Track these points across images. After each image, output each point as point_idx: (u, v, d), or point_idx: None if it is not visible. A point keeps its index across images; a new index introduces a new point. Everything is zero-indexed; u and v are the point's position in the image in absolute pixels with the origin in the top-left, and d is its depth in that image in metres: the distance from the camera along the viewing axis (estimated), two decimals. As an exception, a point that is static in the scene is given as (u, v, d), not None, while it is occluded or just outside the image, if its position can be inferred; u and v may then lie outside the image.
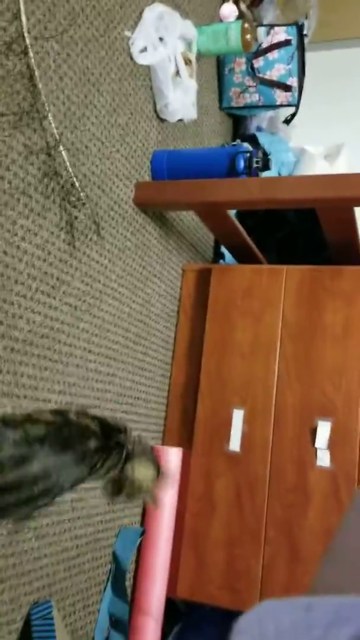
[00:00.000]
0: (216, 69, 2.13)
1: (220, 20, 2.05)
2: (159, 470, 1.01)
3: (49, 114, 1.20)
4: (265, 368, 1.66)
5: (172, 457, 1.66)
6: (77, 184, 1.29)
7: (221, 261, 2.07)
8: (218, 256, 2.10)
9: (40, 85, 1.17)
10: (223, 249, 2.04)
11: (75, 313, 1.34)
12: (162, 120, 1.71)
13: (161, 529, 1.60)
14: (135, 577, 1.60)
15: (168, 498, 1.63)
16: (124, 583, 1.49)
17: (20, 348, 1.16)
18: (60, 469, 0.85)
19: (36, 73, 1.15)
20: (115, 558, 1.50)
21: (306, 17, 2.16)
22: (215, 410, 1.68)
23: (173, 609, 1.67)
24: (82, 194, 1.30)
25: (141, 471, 0.97)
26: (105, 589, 1.48)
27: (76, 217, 1.32)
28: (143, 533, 1.58)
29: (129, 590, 1.54)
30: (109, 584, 1.48)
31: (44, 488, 0.83)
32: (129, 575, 1.56)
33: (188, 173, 1.60)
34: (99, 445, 0.92)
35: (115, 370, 1.52)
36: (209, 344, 1.73)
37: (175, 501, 1.64)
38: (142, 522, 1.65)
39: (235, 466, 1.63)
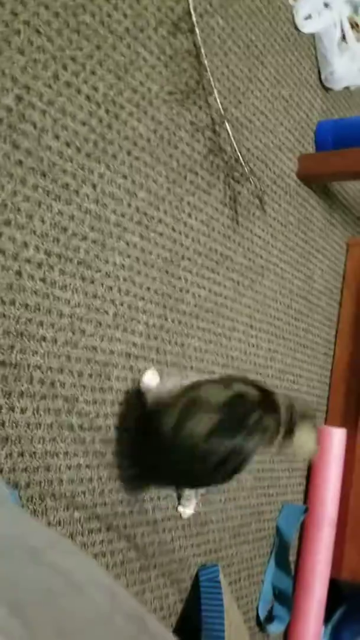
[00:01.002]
0: (384, 31, 2.00)
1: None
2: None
3: (215, 90, 1.21)
4: None
5: (336, 437, 1.62)
6: (241, 159, 1.29)
7: (389, 235, 1.96)
8: (385, 230, 1.99)
9: (206, 62, 1.19)
10: (391, 222, 1.93)
11: (237, 288, 1.35)
12: (327, 89, 1.66)
13: (325, 508, 1.57)
14: (298, 555, 1.60)
15: (332, 478, 1.59)
16: (287, 558, 1.49)
17: (187, 321, 1.20)
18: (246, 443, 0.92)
19: (202, 50, 1.17)
20: (278, 532, 1.50)
21: None
22: (382, 390, 1.61)
23: (337, 591, 1.64)
24: (245, 169, 1.31)
25: (303, 437, 0.98)
26: (269, 561, 1.49)
27: (239, 193, 1.33)
28: (306, 510, 1.57)
29: (292, 566, 1.54)
30: (273, 557, 1.49)
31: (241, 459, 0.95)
32: (293, 551, 1.56)
33: (355, 142, 1.53)
34: (261, 415, 0.95)
35: (277, 346, 1.51)
36: (376, 321, 1.65)
37: (340, 482, 1.60)
38: (305, 500, 1.63)
39: None
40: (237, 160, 1.30)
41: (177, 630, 1.19)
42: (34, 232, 0.88)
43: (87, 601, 0.36)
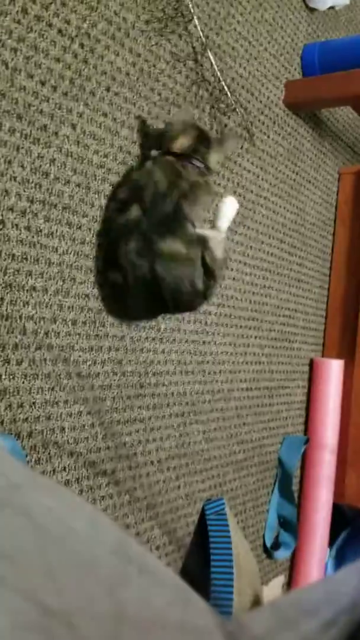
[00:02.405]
0: None
1: None
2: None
3: (194, 17, 1.15)
4: None
5: (334, 368, 1.64)
6: (226, 89, 1.24)
7: (381, 161, 1.92)
8: (377, 156, 1.94)
9: (182, -14, 1.12)
10: (383, 148, 1.88)
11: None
12: (312, 9, 1.58)
13: (326, 437, 1.60)
14: (301, 484, 1.64)
15: (331, 408, 1.62)
16: (291, 487, 1.53)
17: (179, 261, 1.19)
18: None
19: (178, -27, 1.10)
20: (280, 463, 1.54)
21: None
22: (378, 319, 1.61)
23: (340, 515, 1.69)
24: (231, 100, 1.26)
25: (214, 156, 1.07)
26: (272, 492, 1.53)
27: (226, 125, 1.29)
28: (307, 441, 1.60)
29: (295, 495, 1.58)
30: (276, 487, 1.53)
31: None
32: (295, 481, 1.60)
33: (343, 65, 1.46)
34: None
35: (272, 282, 1.50)
36: (370, 250, 1.64)
37: (339, 412, 1.63)
38: (305, 432, 1.66)
39: None
40: (221, 90, 1.25)
41: (186, 564, 1.23)
42: (14, 179, 0.86)
43: (71, 535, 0.36)
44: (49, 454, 0.93)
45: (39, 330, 0.90)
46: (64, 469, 0.96)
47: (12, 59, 0.84)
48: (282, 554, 1.53)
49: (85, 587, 0.33)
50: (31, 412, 0.90)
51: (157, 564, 0.40)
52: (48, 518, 0.35)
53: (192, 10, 1.15)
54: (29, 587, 0.31)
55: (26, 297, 0.88)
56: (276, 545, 1.53)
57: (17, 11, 0.84)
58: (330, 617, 0.39)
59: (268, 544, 1.50)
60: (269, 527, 1.51)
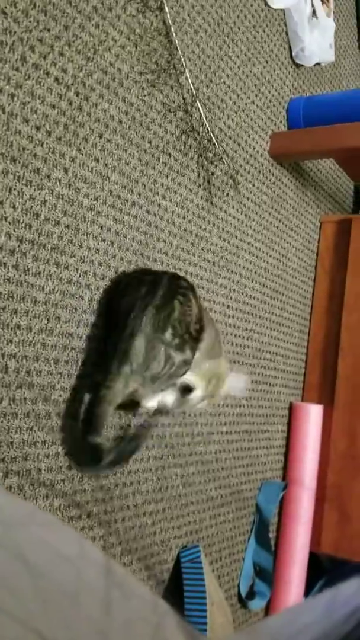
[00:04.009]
0: (355, 6, 1.99)
1: None
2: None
3: (186, 70, 1.19)
4: None
5: (313, 413, 1.65)
6: (213, 139, 1.28)
7: (361, 212, 1.97)
8: (359, 206, 2.00)
9: (176, 41, 1.16)
10: (364, 199, 1.94)
11: (213, 269, 1.35)
12: (298, 66, 1.64)
13: (304, 484, 1.60)
14: (278, 531, 1.62)
15: (310, 454, 1.62)
16: (267, 534, 1.52)
17: (163, 304, 1.20)
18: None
19: (172, 28, 1.15)
20: (258, 510, 1.53)
21: None
22: (357, 366, 1.63)
23: (317, 564, 1.68)
24: (219, 149, 1.30)
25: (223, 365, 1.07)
26: (249, 539, 1.51)
27: (213, 173, 1.32)
28: (285, 487, 1.59)
29: (272, 542, 1.56)
30: (253, 534, 1.51)
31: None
32: (272, 528, 1.58)
33: (327, 119, 1.52)
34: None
35: (254, 325, 1.52)
36: (350, 298, 1.67)
37: (317, 458, 1.63)
38: (284, 477, 1.66)
39: (380, 424, 1.57)
40: (209, 140, 1.28)
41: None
42: (5, 219, 0.87)
43: (60, 565, 0.37)
44: (24, 495, 0.91)
45: (20, 368, 0.90)
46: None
47: (9, 104, 0.86)
48: (257, 604, 1.50)
49: (72, 616, 0.34)
50: (8, 452, 0.89)
51: (140, 587, 0.40)
52: (39, 550, 0.36)
53: (183, 64, 1.19)
54: (26, 616, 0.31)
55: (10, 335, 0.88)
56: (251, 594, 1.51)
57: (17, 59, 0.87)
58: None
59: (243, 594, 1.48)
60: (244, 575, 1.49)
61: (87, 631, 0.34)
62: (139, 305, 0.97)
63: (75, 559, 0.38)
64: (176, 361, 0.98)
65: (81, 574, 0.37)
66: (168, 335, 0.97)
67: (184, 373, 1.02)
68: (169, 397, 1.04)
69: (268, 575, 1.52)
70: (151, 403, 1.01)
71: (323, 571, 1.69)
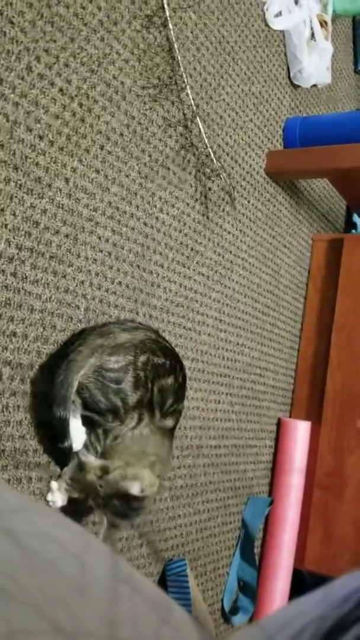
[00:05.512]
0: (352, 30, 2.03)
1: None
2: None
3: (187, 86, 1.21)
4: None
5: (300, 430, 1.65)
6: (212, 155, 1.30)
7: (353, 231, 2.00)
8: (350, 226, 2.03)
9: (178, 57, 1.18)
10: (355, 219, 1.97)
11: (207, 283, 1.36)
12: (296, 86, 1.67)
13: (290, 500, 1.60)
14: (262, 546, 1.62)
15: (296, 470, 1.62)
16: (252, 550, 1.51)
17: (158, 315, 1.21)
18: None
19: (175, 45, 1.17)
20: (244, 525, 1.52)
21: None
22: (346, 384, 1.64)
23: (300, 581, 1.67)
24: (216, 165, 1.31)
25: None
26: (234, 554, 1.51)
27: (210, 189, 1.34)
28: (271, 503, 1.60)
29: (256, 558, 1.56)
30: (238, 549, 1.51)
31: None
32: (257, 543, 1.58)
33: (321, 140, 1.55)
34: None
35: (245, 340, 1.53)
36: (340, 316, 1.69)
37: (304, 474, 1.63)
38: (270, 493, 1.66)
39: (366, 442, 1.59)
40: (208, 156, 1.30)
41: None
42: (5, 226, 0.87)
43: (63, 557, 0.37)
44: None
45: (15, 376, 0.90)
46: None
47: (14, 113, 0.87)
48: (240, 619, 1.50)
49: (78, 609, 0.34)
50: None
51: (147, 582, 0.40)
52: (39, 541, 0.36)
53: (185, 80, 1.21)
54: (38, 604, 0.31)
55: (5, 342, 0.88)
56: (234, 609, 1.50)
57: (22, 68, 0.88)
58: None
59: (226, 608, 1.47)
60: (228, 590, 1.48)
61: (97, 620, 0.34)
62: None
63: (80, 552, 0.38)
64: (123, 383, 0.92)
65: (87, 567, 0.36)
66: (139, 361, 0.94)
67: (115, 405, 0.93)
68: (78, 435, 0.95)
69: (252, 590, 1.51)
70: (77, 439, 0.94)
71: (306, 587, 1.69)
